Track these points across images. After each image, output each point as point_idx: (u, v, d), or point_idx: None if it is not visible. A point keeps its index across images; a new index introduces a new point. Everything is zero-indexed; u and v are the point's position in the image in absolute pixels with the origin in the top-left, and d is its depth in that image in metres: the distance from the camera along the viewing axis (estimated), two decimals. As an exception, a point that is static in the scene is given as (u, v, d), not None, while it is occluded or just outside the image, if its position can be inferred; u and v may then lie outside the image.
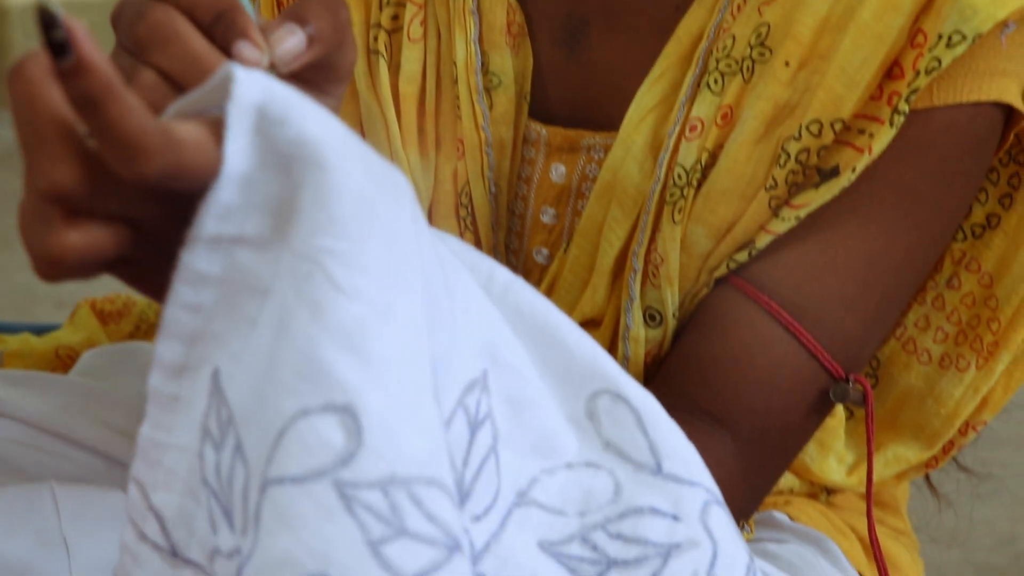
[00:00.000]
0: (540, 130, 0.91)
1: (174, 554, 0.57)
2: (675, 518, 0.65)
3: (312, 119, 0.55)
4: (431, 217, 0.92)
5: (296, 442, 0.53)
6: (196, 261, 0.55)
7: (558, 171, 0.91)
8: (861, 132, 0.81)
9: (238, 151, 0.55)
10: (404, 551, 0.53)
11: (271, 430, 0.53)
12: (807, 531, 0.95)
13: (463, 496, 0.61)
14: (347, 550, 0.52)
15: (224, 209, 0.55)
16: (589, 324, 0.88)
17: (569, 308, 0.88)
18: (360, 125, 0.92)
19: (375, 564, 0.52)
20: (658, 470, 0.65)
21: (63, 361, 1.10)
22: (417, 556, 0.53)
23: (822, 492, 0.99)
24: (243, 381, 0.54)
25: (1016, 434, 2.30)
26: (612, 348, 0.88)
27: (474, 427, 0.62)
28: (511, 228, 0.93)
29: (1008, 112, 0.86)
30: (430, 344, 0.57)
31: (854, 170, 0.82)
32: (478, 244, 0.92)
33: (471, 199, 0.91)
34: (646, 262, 0.85)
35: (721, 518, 0.66)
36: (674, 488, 0.65)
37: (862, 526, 0.98)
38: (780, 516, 0.96)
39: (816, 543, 0.94)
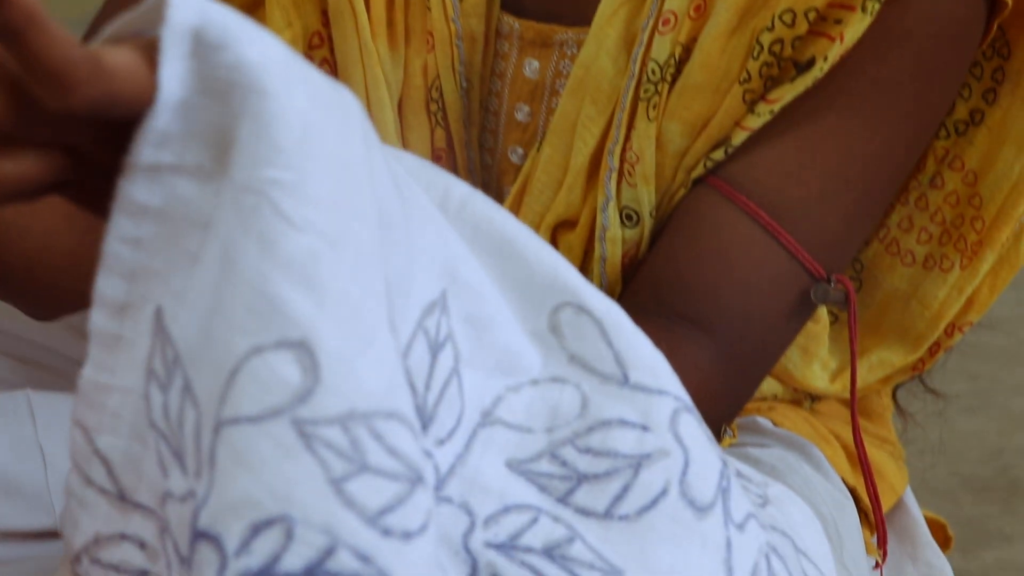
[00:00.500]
0: (513, 23, 0.89)
1: (122, 498, 0.56)
2: (644, 428, 0.63)
3: (252, 42, 0.52)
4: (401, 112, 0.90)
5: (250, 381, 0.51)
6: (135, 191, 0.54)
7: (531, 67, 0.89)
8: (837, 22, 0.79)
9: (174, 77, 0.52)
10: (366, 487, 0.51)
11: (222, 370, 0.51)
12: (790, 436, 0.94)
13: (426, 421, 0.59)
14: (308, 489, 0.50)
15: (161, 137, 0.53)
16: (564, 225, 0.87)
17: (544, 209, 0.86)
18: (326, 17, 0.90)
19: (338, 502, 0.50)
20: (625, 381, 0.63)
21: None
22: (380, 491, 0.51)
23: (806, 399, 0.98)
24: (189, 320, 0.52)
25: (1006, 348, 2.29)
26: (588, 249, 0.86)
27: (435, 350, 0.60)
28: (485, 125, 0.91)
29: (991, 1, 0.83)
30: (386, 269, 0.55)
31: (826, 59, 0.80)
32: (450, 141, 0.90)
33: (442, 94, 0.89)
34: (622, 160, 0.83)
35: (691, 425, 0.64)
36: (642, 398, 0.63)
37: (846, 434, 0.97)
38: (763, 421, 0.94)
39: (799, 448, 0.93)
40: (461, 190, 0.64)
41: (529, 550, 0.60)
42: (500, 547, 0.60)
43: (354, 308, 0.52)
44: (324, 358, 0.51)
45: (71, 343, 0.93)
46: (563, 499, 0.62)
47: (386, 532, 0.51)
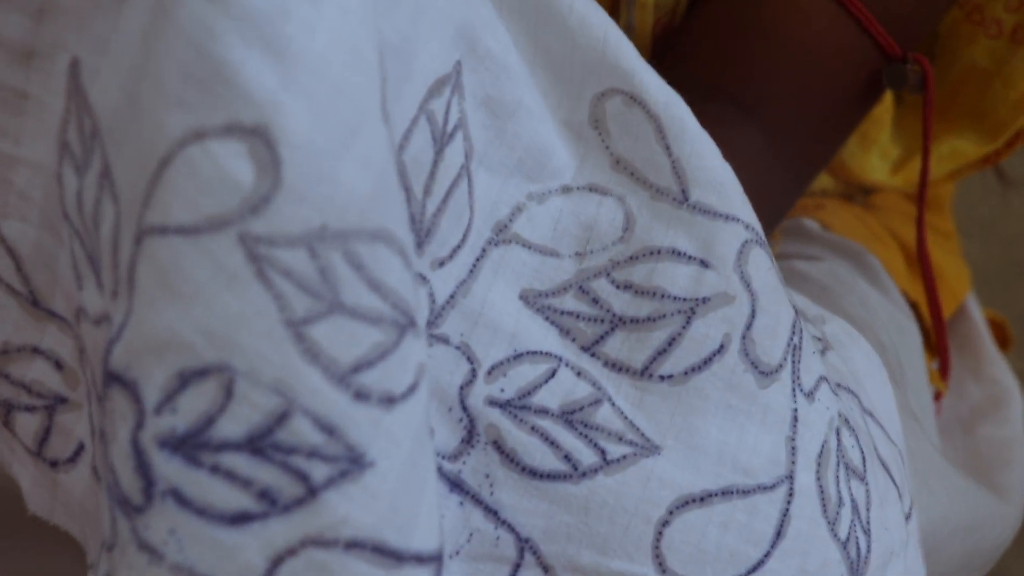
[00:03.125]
0: None
1: (35, 303, 0.48)
2: (703, 264, 0.51)
3: None
4: None
5: (185, 176, 0.40)
6: None
7: None
8: None
9: None
10: (337, 333, 0.41)
11: (150, 156, 0.40)
12: (842, 242, 0.81)
13: (423, 234, 0.48)
14: (257, 331, 0.40)
15: None
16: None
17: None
18: None
19: (296, 351, 0.40)
20: (683, 199, 0.51)
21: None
22: (355, 340, 0.41)
23: (859, 193, 0.85)
24: (111, 80, 0.42)
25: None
26: (613, 15, 0.72)
27: (441, 141, 0.48)
28: None
29: None
30: (380, 27, 0.44)
31: None
32: None
33: None
34: None
35: (762, 264, 0.52)
36: (703, 223, 0.51)
37: (905, 230, 0.84)
38: (811, 224, 0.81)
39: (853, 257, 0.80)
40: None
41: (543, 411, 0.50)
42: (506, 406, 0.50)
43: (334, 84, 0.41)
44: (288, 152, 0.40)
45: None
46: (591, 348, 0.51)
47: (360, 395, 0.41)
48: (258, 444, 0.40)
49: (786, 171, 0.72)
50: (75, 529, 0.50)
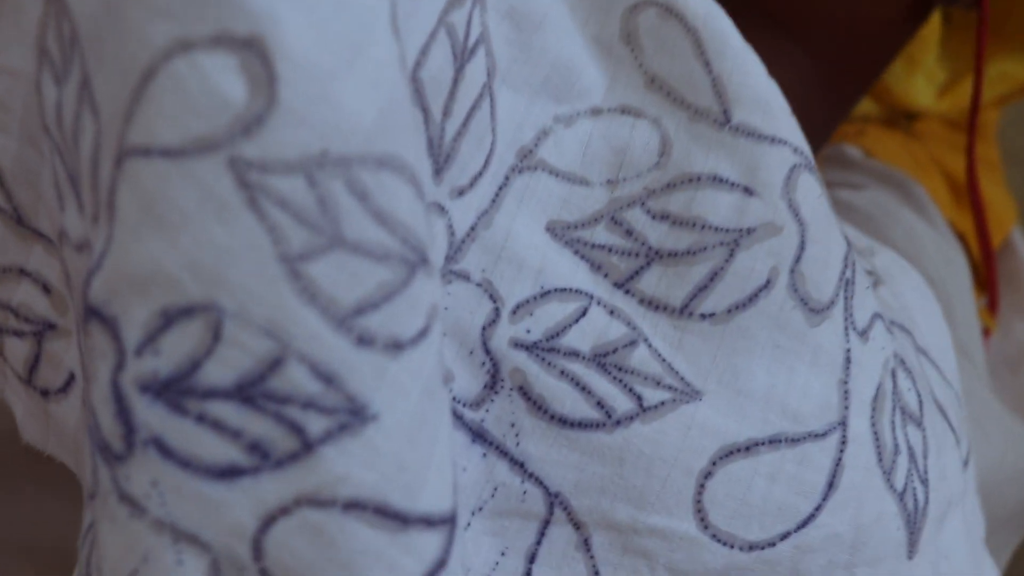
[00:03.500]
0: None
1: (19, 222, 0.44)
2: (747, 191, 0.47)
3: None
4: None
5: (170, 92, 0.36)
6: None
7: None
8: None
9: None
10: (337, 271, 0.36)
11: (132, 69, 0.36)
12: (886, 170, 0.76)
13: (441, 161, 0.44)
14: (249, 267, 0.36)
15: None
16: None
17: None
18: None
19: (291, 290, 0.36)
20: (725, 120, 0.47)
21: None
22: (358, 279, 0.37)
23: (902, 119, 0.80)
24: None
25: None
26: None
27: (461, 57, 0.44)
28: None
29: None
30: None
31: None
32: None
33: None
34: None
35: (812, 190, 0.47)
36: (748, 147, 0.47)
37: (949, 159, 0.80)
38: (853, 151, 0.77)
39: (897, 186, 0.75)
40: None
41: (573, 354, 0.46)
42: (533, 348, 0.46)
43: None
44: (285, 68, 0.36)
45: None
46: (625, 284, 0.47)
47: (362, 340, 0.37)
48: (248, 392, 0.36)
49: (830, 93, 0.68)
50: (70, 460, 0.47)
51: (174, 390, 0.36)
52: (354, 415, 0.36)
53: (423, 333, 0.38)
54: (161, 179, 0.35)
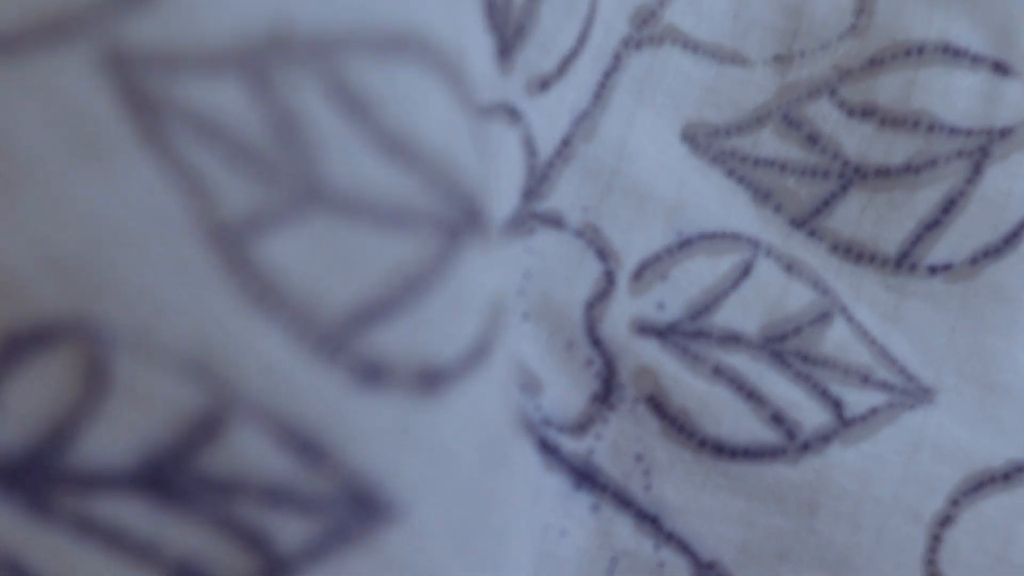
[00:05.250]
0: None
1: None
2: (1000, 67, 0.34)
3: None
4: None
5: None
6: None
7: None
8: None
9: None
10: (314, 249, 0.23)
11: None
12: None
13: (510, 34, 0.31)
14: (148, 250, 0.23)
15: None
16: None
17: None
18: None
19: (227, 287, 0.24)
20: None
21: None
22: (352, 263, 0.24)
23: None
24: None
25: None
26: None
27: None
28: None
29: None
30: None
31: None
32: None
33: None
34: None
35: None
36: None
37: None
38: None
39: None
40: None
41: (732, 339, 0.33)
42: (669, 333, 0.33)
43: None
44: None
45: None
46: (808, 223, 0.34)
47: (366, 375, 0.25)
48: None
49: None
50: None
51: None
52: (361, 515, 0.22)
53: (479, 352, 0.24)
54: None
